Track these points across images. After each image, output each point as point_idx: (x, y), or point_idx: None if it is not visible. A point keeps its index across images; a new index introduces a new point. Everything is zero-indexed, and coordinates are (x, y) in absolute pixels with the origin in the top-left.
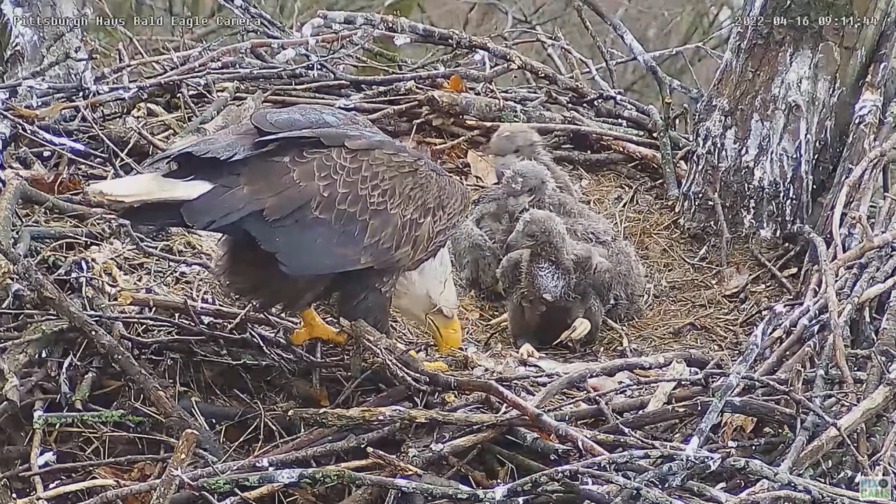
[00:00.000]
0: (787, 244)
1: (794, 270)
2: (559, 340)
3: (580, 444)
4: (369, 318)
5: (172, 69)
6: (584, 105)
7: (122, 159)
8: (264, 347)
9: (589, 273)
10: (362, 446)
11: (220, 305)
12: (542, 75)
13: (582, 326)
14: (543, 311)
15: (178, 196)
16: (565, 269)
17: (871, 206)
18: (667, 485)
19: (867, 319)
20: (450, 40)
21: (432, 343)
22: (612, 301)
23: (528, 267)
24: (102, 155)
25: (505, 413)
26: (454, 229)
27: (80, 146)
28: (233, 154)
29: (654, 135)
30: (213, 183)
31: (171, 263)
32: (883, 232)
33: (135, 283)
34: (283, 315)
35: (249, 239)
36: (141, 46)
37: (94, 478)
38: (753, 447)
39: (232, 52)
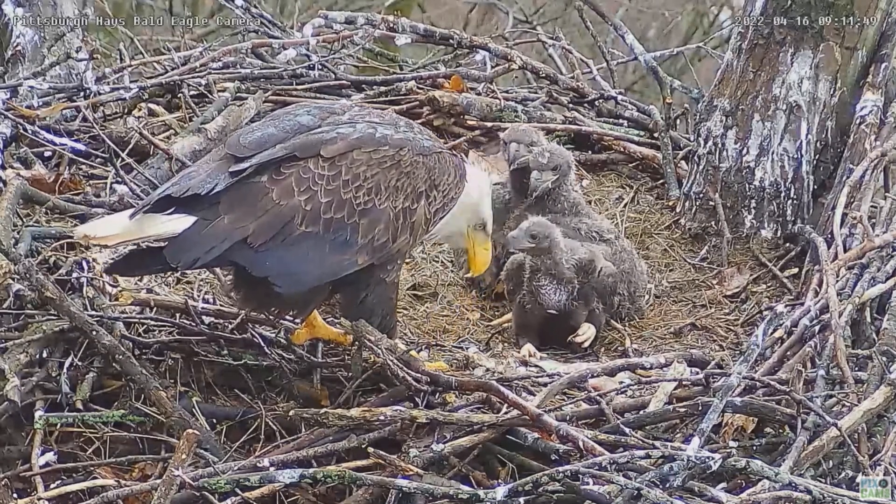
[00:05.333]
0: (787, 244)
1: (794, 270)
2: (567, 341)
3: (581, 444)
4: (376, 313)
5: (173, 69)
6: (585, 105)
7: (123, 159)
8: (265, 347)
9: (592, 276)
10: (363, 446)
11: (220, 305)
12: (543, 75)
13: (589, 332)
14: (546, 315)
15: (160, 233)
16: (566, 281)
17: (872, 207)
18: (668, 485)
19: (868, 320)
20: (450, 40)
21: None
22: (615, 303)
23: (529, 283)
24: (103, 155)
25: (506, 413)
26: (454, 202)
27: (80, 146)
28: (213, 187)
29: (655, 135)
30: (193, 215)
31: None
32: (884, 232)
33: (135, 284)
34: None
35: (239, 267)
36: (141, 46)
37: (94, 478)
38: (754, 447)
39: (233, 52)
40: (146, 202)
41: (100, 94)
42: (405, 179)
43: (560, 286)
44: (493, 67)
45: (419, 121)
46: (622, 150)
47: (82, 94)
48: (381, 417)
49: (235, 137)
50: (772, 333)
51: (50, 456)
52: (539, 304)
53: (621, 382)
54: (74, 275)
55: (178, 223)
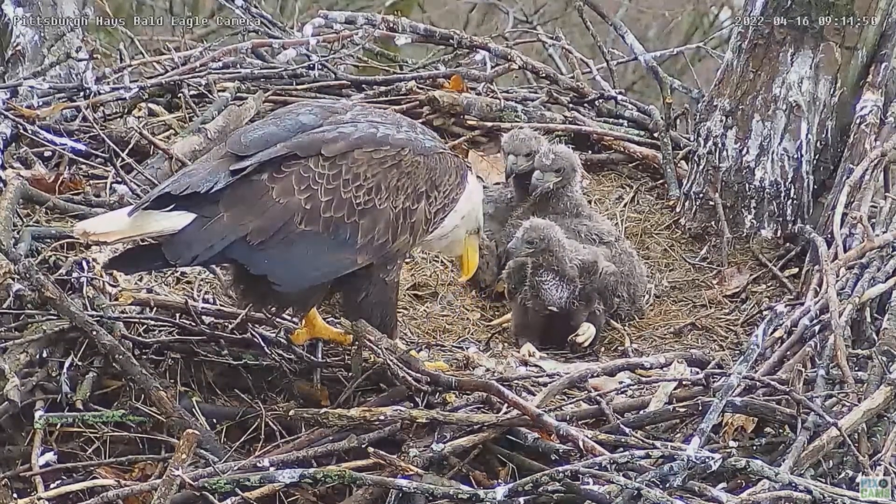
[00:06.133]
0: (787, 244)
1: (794, 270)
2: (568, 341)
3: (581, 444)
4: (376, 313)
5: (173, 69)
6: (585, 105)
7: (123, 159)
8: (265, 347)
9: (595, 277)
10: (363, 446)
11: (221, 305)
12: (543, 75)
13: (589, 332)
14: (547, 314)
15: (160, 230)
16: (569, 279)
17: (872, 207)
18: (668, 485)
19: (868, 319)
20: (451, 40)
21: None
22: (615, 304)
23: (531, 279)
24: (103, 155)
25: (506, 413)
26: (455, 203)
27: (80, 146)
28: (213, 185)
29: (655, 135)
30: (193, 212)
31: None
32: (884, 232)
33: (136, 283)
34: (284, 315)
35: (239, 265)
36: (141, 46)
37: (94, 478)
38: (754, 447)
39: (233, 52)
40: (145, 199)
41: (100, 94)
42: (406, 179)
43: (562, 283)
44: (493, 67)
45: (419, 121)
46: (622, 150)
47: (82, 94)
48: (381, 417)
49: (237, 136)
50: (772, 333)
51: (50, 456)
52: (540, 301)
53: (621, 382)
54: (74, 275)
55: (177, 220)
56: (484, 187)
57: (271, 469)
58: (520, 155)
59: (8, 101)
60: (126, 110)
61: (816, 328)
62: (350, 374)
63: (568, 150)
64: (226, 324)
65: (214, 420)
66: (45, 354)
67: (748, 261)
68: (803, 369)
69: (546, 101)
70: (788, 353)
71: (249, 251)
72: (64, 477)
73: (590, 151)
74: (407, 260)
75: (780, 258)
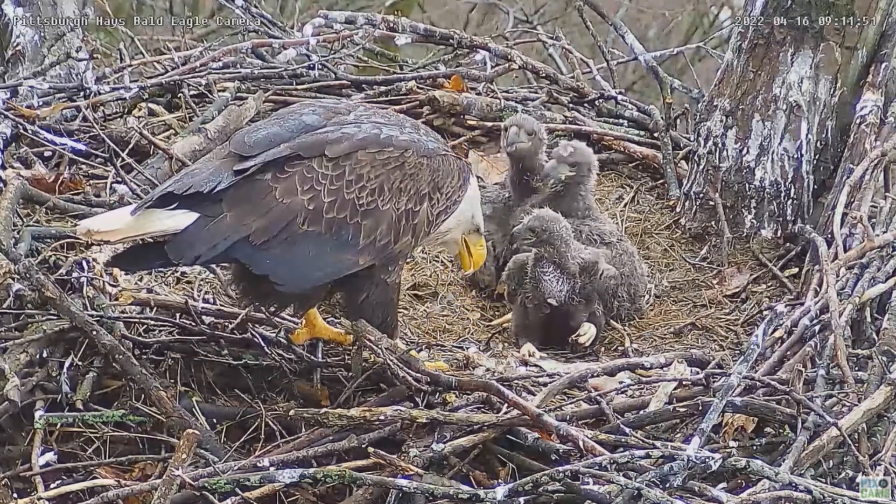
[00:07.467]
0: (788, 244)
1: (795, 270)
2: (569, 341)
3: (581, 444)
4: (376, 313)
5: (173, 69)
6: (585, 105)
7: (123, 159)
8: (265, 347)
9: (595, 278)
10: (363, 446)
11: (221, 305)
12: (543, 75)
13: (590, 332)
14: (547, 313)
15: (163, 229)
16: (570, 274)
17: (872, 206)
18: (668, 485)
19: (868, 319)
20: (451, 40)
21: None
22: (615, 307)
23: (533, 270)
24: (103, 155)
25: (506, 413)
26: (457, 205)
27: (81, 146)
28: (216, 185)
29: (655, 135)
30: (196, 212)
31: None
32: (884, 232)
33: (136, 283)
34: (284, 315)
35: (241, 264)
36: (142, 46)
37: (94, 478)
38: (754, 447)
39: (233, 52)
40: (148, 198)
41: (100, 93)
42: (409, 181)
43: (563, 276)
44: (493, 67)
45: (420, 121)
46: (622, 149)
47: (82, 94)
48: (381, 417)
49: (240, 136)
50: (772, 333)
51: (50, 456)
52: (540, 293)
53: (621, 382)
54: (74, 275)
55: (180, 220)
56: (483, 188)
57: (271, 469)
58: (522, 128)
59: (8, 101)
60: (126, 110)
61: (816, 328)
62: (350, 374)
63: (588, 149)
64: (226, 324)
65: (214, 420)
66: (45, 354)
67: (748, 261)
68: (803, 369)
69: (546, 101)
70: (788, 353)
71: (252, 251)
72: (64, 477)
73: None
74: (407, 260)
75: (780, 258)
